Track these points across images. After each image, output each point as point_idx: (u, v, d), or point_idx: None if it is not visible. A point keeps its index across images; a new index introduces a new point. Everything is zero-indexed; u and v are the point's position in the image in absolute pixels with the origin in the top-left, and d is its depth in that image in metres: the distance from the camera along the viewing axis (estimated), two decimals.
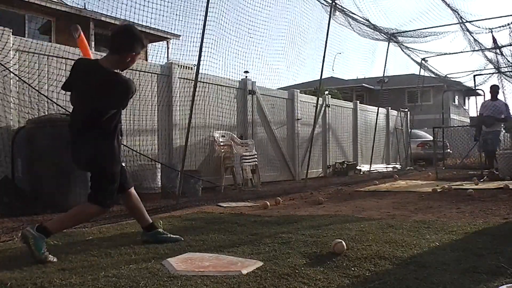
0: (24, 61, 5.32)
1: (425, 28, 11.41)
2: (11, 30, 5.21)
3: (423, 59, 14.10)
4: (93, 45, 13.62)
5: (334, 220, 4.18)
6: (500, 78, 14.45)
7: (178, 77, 7.30)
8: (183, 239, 3.34)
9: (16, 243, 3.32)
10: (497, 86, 10.24)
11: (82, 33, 3.39)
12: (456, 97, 29.58)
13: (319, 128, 11.19)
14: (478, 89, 13.45)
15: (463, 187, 7.23)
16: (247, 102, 8.89)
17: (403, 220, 4.05)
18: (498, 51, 12.80)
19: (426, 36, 11.76)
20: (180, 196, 5.98)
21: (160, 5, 5.61)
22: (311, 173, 10.26)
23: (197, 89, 6.23)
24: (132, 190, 3.30)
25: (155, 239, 3.26)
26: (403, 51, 12.86)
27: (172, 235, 3.36)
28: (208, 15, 5.85)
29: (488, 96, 10.05)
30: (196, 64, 6.10)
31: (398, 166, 14.92)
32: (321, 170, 11.51)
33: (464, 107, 31.30)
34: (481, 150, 9.82)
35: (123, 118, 6.38)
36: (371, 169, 12.69)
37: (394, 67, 16.01)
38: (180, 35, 10.61)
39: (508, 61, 13.21)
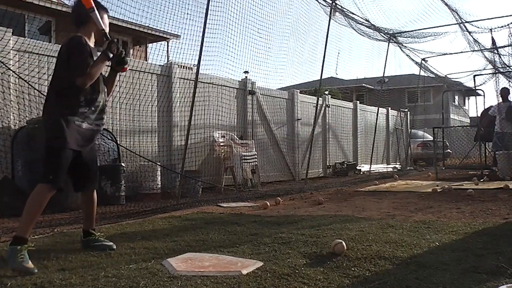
0: (24, 61, 5.32)
1: (425, 28, 11.43)
2: (11, 30, 5.22)
3: (423, 59, 14.09)
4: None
5: (334, 220, 4.18)
6: (497, 78, 14.40)
7: (178, 77, 7.31)
8: (115, 247, 3.07)
9: None
10: (507, 88, 10.13)
11: None
12: (456, 97, 29.58)
13: (319, 128, 11.20)
14: (478, 89, 13.44)
15: (463, 187, 7.23)
16: (247, 102, 8.89)
17: (403, 220, 4.05)
18: (497, 51, 12.77)
19: (426, 37, 11.77)
20: (180, 196, 5.99)
21: (160, 5, 5.63)
22: (311, 173, 10.26)
23: (197, 89, 6.23)
24: (92, 194, 3.17)
25: (86, 245, 3.13)
26: (402, 51, 12.87)
27: (105, 242, 3.13)
28: (208, 15, 5.86)
29: (488, 98, 9.98)
30: (196, 64, 6.11)
31: (398, 166, 14.92)
32: (321, 170, 11.50)
33: (464, 107, 31.29)
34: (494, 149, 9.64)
35: (123, 118, 6.46)
36: (371, 169, 12.69)
37: (394, 67, 16.00)
38: (180, 35, 10.63)
39: (508, 61, 13.17)
